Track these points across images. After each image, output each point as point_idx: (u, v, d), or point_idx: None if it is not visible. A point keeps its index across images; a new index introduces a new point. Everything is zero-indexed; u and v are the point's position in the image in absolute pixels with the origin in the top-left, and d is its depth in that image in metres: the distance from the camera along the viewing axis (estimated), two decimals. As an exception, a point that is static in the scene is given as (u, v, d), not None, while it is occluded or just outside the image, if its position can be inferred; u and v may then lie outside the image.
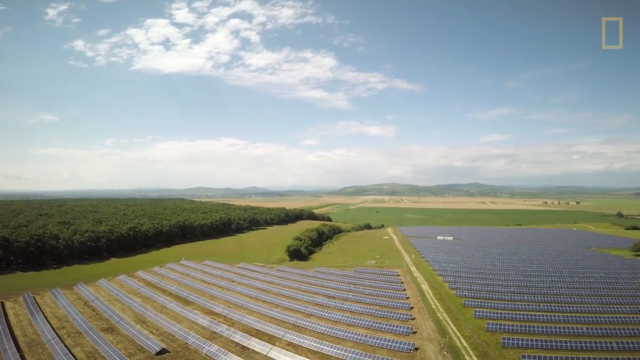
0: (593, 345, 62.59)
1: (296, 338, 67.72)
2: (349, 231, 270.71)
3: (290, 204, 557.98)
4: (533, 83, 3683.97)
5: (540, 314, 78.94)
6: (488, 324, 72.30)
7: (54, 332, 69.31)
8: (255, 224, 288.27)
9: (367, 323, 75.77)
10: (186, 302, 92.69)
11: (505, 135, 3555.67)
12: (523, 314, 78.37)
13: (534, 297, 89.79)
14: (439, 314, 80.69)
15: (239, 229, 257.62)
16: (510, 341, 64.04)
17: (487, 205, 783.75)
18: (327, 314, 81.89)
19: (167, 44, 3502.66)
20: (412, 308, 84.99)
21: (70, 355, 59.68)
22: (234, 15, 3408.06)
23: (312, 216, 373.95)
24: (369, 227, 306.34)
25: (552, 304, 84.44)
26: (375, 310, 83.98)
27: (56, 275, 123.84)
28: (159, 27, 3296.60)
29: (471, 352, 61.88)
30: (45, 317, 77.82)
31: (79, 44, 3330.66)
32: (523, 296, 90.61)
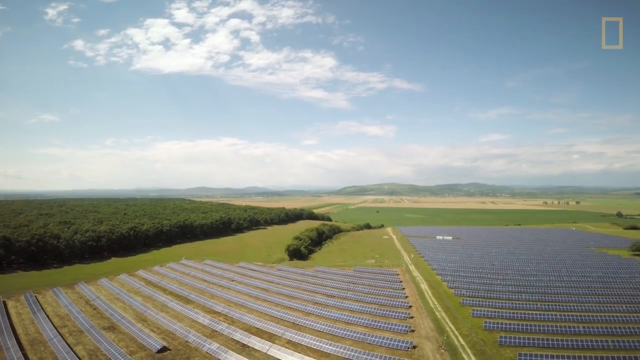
0: (589, 343, 63.22)
1: (296, 336, 68.40)
2: (348, 231, 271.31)
3: (290, 204, 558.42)
4: (533, 83, 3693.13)
5: (538, 312, 79.61)
6: (486, 322, 72.99)
7: (55, 331, 69.94)
8: (255, 223, 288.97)
9: (366, 322, 76.44)
10: (187, 301, 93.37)
11: (505, 135, 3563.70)
12: (521, 313, 79.08)
13: (532, 296, 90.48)
14: (437, 313, 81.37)
15: (239, 229, 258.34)
16: (508, 339, 64.73)
17: (487, 205, 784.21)
18: (326, 313, 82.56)
19: (167, 43, 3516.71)
20: (410, 307, 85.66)
21: (73, 354, 60.34)
22: (234, 15, 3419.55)
23: (312, 216, 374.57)
24: (368, 226, 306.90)
25: (550, 303, 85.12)
26: (374, 309, 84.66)
27: (57, 274, 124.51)
28: (158, 27, 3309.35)
29: (468, 350, 62.56)
30: (47, 316, 78.48)
31: (78, 44, 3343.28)
32: (521, 295, 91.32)
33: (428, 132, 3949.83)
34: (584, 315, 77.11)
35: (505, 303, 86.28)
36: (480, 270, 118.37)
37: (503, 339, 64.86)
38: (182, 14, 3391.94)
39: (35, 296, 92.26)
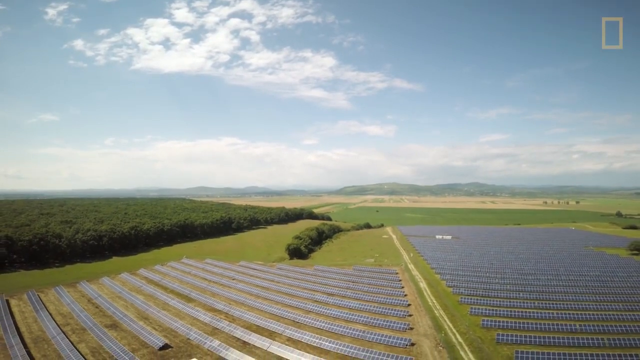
0: (585, 341, 63.98)
1: (295, 334, 69.28)
2: (348, 230, 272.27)
3: (290, 204, 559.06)
4: (533, 83, 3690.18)
5: (535, 311, 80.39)
6: (483, 320, 73.78)
7: (58, 329, 70.82)
8: (256, 223, 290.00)
9: (365, 319, 77.30)
10: (188, 299, 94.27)
11: (505, 135, 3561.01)
12: (518, 311, 79.88)
13: (530, 294, 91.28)
14: (435, 311, 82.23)
15: (240, 228, 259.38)
16: (505, 337, 65.56)
17: (487, 204, 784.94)
18: (326, 311, 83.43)
19: (167, 43, 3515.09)
20: (409, 305, 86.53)
21: (76, 351, 61.17)
22: (233, 15, 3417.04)
23: (312, 215, 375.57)
24: (368, 226, 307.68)
25: (547, 302, 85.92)
26: (374, 307, 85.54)
27: (59, 273, 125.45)
28: (158, 27, 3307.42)
29: (466, 348, 63.41)
30: (50, 314, 79.39)
31: (78, 44, 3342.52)
32: (519, 294, 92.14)
33: (428, 132, 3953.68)
34: (581, 314, 77.87)
35: (503, 301, 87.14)
36: (479, 269, 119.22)
37: (500, 337, 65.70)
38: (182, 13, 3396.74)
39: (37, 295, 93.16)
